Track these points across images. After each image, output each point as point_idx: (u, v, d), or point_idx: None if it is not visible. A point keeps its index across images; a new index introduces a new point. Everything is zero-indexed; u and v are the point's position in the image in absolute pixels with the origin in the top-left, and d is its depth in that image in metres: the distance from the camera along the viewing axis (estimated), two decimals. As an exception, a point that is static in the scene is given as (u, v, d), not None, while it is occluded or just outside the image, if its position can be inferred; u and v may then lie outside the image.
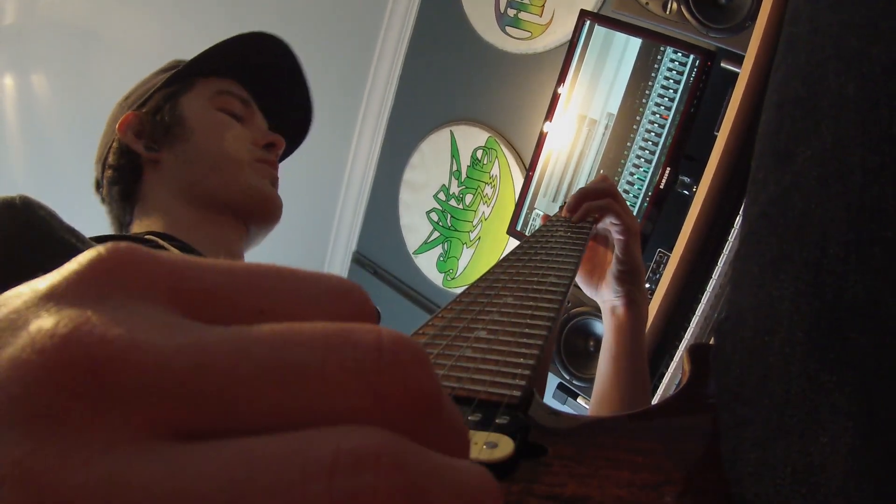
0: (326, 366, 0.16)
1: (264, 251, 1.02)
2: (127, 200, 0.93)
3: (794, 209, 0.35)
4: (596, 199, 0.93)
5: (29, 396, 0.14)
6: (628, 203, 1.76)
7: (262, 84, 1.04)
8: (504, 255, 0.71)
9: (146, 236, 0.82)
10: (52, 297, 0.16)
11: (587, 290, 1.00)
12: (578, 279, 1.00)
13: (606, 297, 0.97)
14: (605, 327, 0.97)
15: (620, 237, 0.93)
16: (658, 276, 1.69)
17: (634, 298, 0.95)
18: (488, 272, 0.64)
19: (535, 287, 0.59)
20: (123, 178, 0.93)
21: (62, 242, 0.62)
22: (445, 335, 0.49)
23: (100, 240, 0.74)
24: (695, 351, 0.46)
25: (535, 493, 0.32)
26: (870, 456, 0.28)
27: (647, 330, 0.97)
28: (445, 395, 0.18)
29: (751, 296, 0.38)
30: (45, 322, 0.15)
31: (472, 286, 0.60)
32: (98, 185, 0.99)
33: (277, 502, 0.13)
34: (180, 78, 0.98)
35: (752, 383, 0.35)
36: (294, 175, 1.00)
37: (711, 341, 0.45)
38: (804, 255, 0.33)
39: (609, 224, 0.94)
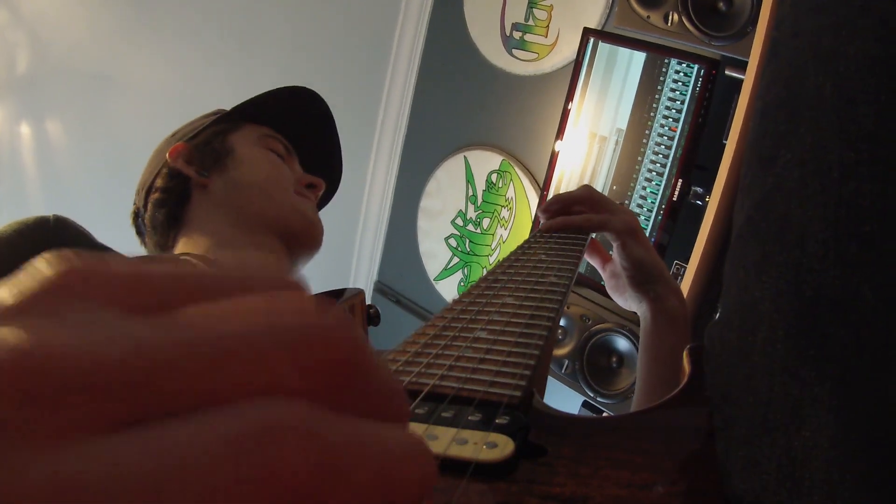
0: (246, 341, 0.16)
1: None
2: (172, 224, 0.97)
3: (776, 211, 0.36)
4: (573, 205, 0.90)
5: None
6: (643, 217, 1.76)
7: (298, 136, 1.10)
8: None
9: (181, 257, 0.85)
10: None
11: (623, 305, 0.96)
12: (611, 295, 0.97)
13: (633, 305, 0.93)
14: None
15: (615, 241, 0.89)
16: (676, 287, 1.68)
17: (657, 296, 0.89)
18: (488, 273, 0.64)
19: (534, 287, 0.59)
20: (171, 200, 0.97)
21: None
22: (445, 335, 0.49)
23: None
24: (694, 351, 0.46)
25: (535, 493, 0.33)
26: (851, 447, 0.29)
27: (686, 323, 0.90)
28: (373, 359, 0.18)
29: (736, 299, 0.38)
30: None
31: (473, 287, 0.60)
32: (137, 215, 1.03)
33: (192, 485, 0.13)
34: (228, 119, 1.04)
35: (738, 383, 0.36)
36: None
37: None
38: (784, 255, 0.34)
39: (604, 234, 0.90)
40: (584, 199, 0.91)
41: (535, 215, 0.87)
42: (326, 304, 0.18)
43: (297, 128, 1.09)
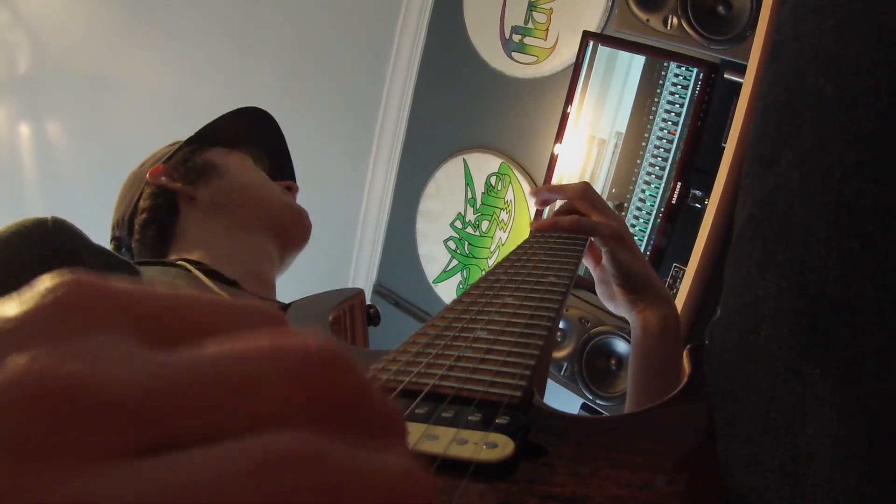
0: (259, 375, 0.18)
1: (286, 286, 1.04)
2: (163, 240, 0.98)
3: (778, 211, 0.36)
4: (563, 199, 0.92)
5: (2, 428, 0.15)
6: (642, 220, 1.76)
7: (257, 151, 1.15)
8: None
9: (178, 262, 0.86)
10: (18, 334, 0.17)
11: (614, 311, 0.95)
12: (602, 301, 0.96)
13: (624, 313, 0.92)
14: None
15: (602, 248, 0.88)
16: (675, 290, 1.68)
17: (647, 306, 0.88)
18: (488, 273, 0.64)
19: (534, 287, 0.59)
20: (160, 215, 0.98)
21: (88, 266, 0.63)
22: (445, 336, 0.49)
23: (140, 265, 0.77)
24: (694, 351, 0.46)
25: (535, 493, 0.33)
26: (854, 445, 0.29)
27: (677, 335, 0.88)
28: (374, 389, 0.20)
29: (738, 297, 0.38)
30: (17, 359, 0.16)
31: (473, 287, 0.60)
32: (118, 249, 1.03)
33: (209, 502, 0.15)
34: (194, 142, 1.07)
35: (741, 381, 0.36)
36: (311, 211, 1.04)
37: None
38: (787, 254, 0.34)
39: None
40: (578, 196, 0.91)
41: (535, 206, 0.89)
42: (327, 340, 0.19)
43: (255, 144, 1.14)
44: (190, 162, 1.02)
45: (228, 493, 0.15)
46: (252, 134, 1.13)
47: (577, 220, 0.86)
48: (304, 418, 0.18)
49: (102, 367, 0.16)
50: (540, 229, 0.87)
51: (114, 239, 1.04)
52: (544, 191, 0.95)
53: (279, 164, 1.19)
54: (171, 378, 0.17)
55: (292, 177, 1.22)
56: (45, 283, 0.19)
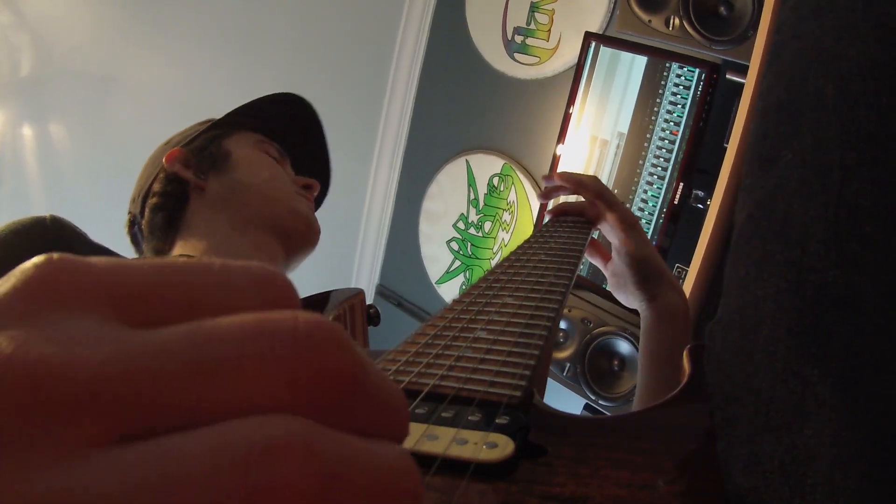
0: (243, 357, 0.16)
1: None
2: (169, 228, 0.97)
3: (777, 211, 0.36)
4: (577, 188, 0.93)
5: None
6: (645, 221, 1.76)
7: (288, 141, 1.10)
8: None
9: (179, 258, 0.85)
10: None
11: (625, 303, 0.97)
12: (614, 294, 0.98)
13: (635, 303, 0.94)
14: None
15: (616, 236, 0.91)
16: (678, 290, 1.68)
17: (658, 293, 0.90)
18: (488, 272, 0.64)
19: (534, 287, 0.59)
20: (169, 204, 0.97)
21: None
22: (445, 335, 0.49)
23: None
24: (694, 351, 0.46)
25: (535, 493, 0.33)
26: (854, 445, 0.29)
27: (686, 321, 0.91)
28: (372, 372, 0.18)
29: (738, 297, 0.38)
30: None
31: (473, 286, 0.60)
32: (133, 223, 1.03)
33: (192, 498, 0.13)
34: (221, 125, 1.05)
35: (740, 381, 0.36)
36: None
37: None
38: (786, 254, 0.34)
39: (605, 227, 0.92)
40: (589, 187, 0.93)
41: (544, 187, 0.89)
42: (322, 319, 0.18)
43: (288, 133, 1.10)
44: (207, 150, 1.00)
45: (208, 484, 0.14)
46: (284, 123, 1.10)
47: (600, 192, 0.90)
48: (292, 403, 0.16)
49: (74, 350, 0.15)
50: (556, 213, 0.90)
51: (130, 213, 1.04)
52: (558, 177, 0.96)
53: (309, 158, 1.15)
54: (145, 361, 0.16)
55: (324, 172, 1.18)
56: (25, 264, 0.18)
